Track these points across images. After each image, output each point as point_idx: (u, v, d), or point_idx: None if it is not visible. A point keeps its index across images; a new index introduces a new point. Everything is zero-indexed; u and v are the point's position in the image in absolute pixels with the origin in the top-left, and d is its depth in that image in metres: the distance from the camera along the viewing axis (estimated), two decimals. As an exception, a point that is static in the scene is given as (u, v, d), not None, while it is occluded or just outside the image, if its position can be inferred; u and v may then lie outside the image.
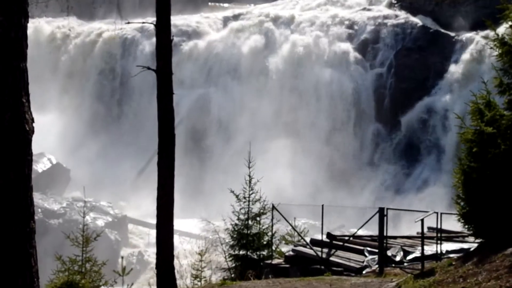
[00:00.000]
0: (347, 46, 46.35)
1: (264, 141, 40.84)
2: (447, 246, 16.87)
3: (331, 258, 16.90)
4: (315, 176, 40.58)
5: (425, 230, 16.19)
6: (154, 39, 14.30)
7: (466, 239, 17.66)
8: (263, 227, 19.06)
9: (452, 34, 44.34)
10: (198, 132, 46.33)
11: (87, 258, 17.20)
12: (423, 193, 38.42)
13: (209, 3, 59.75)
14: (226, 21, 51.77)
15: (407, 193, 39.66)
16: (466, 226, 12.95)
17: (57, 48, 52.79)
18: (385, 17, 47.16)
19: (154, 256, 14.08)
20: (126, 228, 39.36)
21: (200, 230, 28.52)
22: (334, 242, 17.78)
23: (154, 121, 14.74)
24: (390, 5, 48.61)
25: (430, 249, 16.36)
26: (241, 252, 18.95)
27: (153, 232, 21.94)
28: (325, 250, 17.24)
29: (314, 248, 17.41)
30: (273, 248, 19.08)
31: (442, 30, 44.85)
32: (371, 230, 19.68)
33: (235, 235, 19.03)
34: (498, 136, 12.14)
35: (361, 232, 18.43)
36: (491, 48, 12.96)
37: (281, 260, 18.16)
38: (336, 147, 43.99)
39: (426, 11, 46.66)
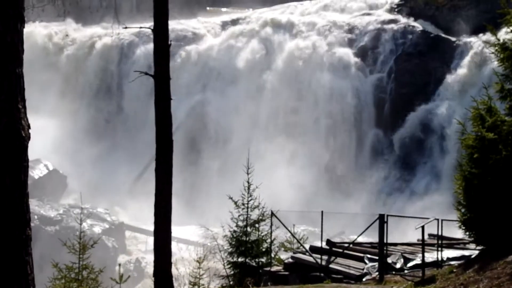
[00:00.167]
0: (347, 51, 46.22)
1: (262, 146, 40.75)
2: (448, 253, 16.77)
3: (331, 265, 16.79)
4: (313, 182, 40.48)
5: (426, 237, 16.09)
6: (151, 44, 14.19)
7: (467, 246, 17.56)
8: (262, 234, 18.93)
9: (453, 39, 44.18)
10: (195, 137, 46.19)
11: (84, 265, 17.09)
12: (423, 200, 38.30)
13: (207, 8, 59.66)
14: (224, 25, 51.69)
15: (408, 198, 39.55)
16: (467, 233, 12.87)
17: (54, 53, 52.66)
18: (385, 21, 47.03)
19: (152, 263, 13.96)
20: (123, 235, 39.20)
21: (198, 237, 28.36)
22: (333, 249, 17.66)
23: (151, 126, 14.62)
24: (390, 10, 48.50)
25: (430, 256, 16.25)
26: (239, 259, 18.81)
27: (150, 239, 21.84)
28: (325, 257, 17.11)
29: (314, 255, 17.28)
30: (272, 255, 18.96)
31: (443, 35, 44.73)
32: (371, 237, 19.56)
33: (233, 242, 18.90)
34: (499, 142, 12.09)
35: (361, 239, 18.32)
36: (492, 53, 12.89)
37: (280, 268, 18.04)
38: (335, 152, 43.88)
39: (427, 15, 46.56)
